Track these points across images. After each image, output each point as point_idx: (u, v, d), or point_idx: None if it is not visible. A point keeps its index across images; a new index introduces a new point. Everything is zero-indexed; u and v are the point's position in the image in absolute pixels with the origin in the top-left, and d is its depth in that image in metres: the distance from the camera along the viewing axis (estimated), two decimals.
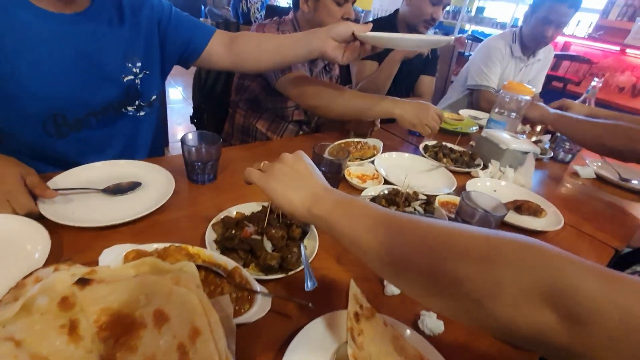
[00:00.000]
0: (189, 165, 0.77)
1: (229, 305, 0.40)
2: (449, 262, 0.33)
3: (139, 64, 0.81)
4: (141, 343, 0.35)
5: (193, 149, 0.75)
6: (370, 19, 6.15)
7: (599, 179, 1.18)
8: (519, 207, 0.86)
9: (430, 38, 0.79)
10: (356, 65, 1.56)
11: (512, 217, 0.82)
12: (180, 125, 3.04)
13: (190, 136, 0.77)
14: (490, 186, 0.98)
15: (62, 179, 0.69)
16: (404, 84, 1.65)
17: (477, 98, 1.81)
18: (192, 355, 0.34)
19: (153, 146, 0.96)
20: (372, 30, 0.78)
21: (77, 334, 0.34)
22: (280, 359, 0.42)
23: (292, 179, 0.47)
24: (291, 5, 1.27)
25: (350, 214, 0.42)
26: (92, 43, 0.73)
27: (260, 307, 0.47)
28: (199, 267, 0.47)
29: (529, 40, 1.71)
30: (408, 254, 0.36)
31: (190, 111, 1.54)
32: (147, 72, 0.83)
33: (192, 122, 1.56)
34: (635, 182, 1.15)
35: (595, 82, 1.28)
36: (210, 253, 0.54)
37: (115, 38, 0.76)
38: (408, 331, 0.48)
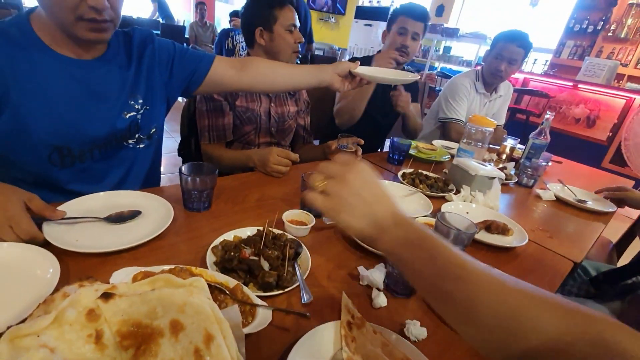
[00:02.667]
0: (185, 194, 0.82)
1: (238, 315, 0.45)
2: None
3: (140, 101, 0.88)
4: (160, 350, 0.39)
5: (189, 178, 0.80)
6: (347, 56, 6.62)
7: (559, 200, 1.31)
8: (489, 226, 0.95)
9: (401, 78, 1.09)
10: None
11: (483, 236, 0.91)
12: (163, 157, 3.05)
13: (186, 167, 0.82)
14: (463, 208, 1.07)
15: (64, 208, 0.71)
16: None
17: (447, 130, 1.96)
18: (207, 359, 0.38)
19: (148, 177, 1.01)
20: (361, 64, 1.01)
21: (102, 342, 0.38)
22: None
23: (359, 204, 0.46)
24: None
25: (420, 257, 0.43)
26: (102, 85, 0.81)
27: (262, 319, 0.51)
28: None
29: (488, 76, 1.92)
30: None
31: (174, 144, 1.58)
32: (148, 108, 0.90)
33: (179, 154, 1.60)
34: (590, 203, 1.28)
35: (549, 115, 1.45)
36: (212, 273, 0.58)
37: (122, 80, 0.84)
38: (394, 336, 0.54)
